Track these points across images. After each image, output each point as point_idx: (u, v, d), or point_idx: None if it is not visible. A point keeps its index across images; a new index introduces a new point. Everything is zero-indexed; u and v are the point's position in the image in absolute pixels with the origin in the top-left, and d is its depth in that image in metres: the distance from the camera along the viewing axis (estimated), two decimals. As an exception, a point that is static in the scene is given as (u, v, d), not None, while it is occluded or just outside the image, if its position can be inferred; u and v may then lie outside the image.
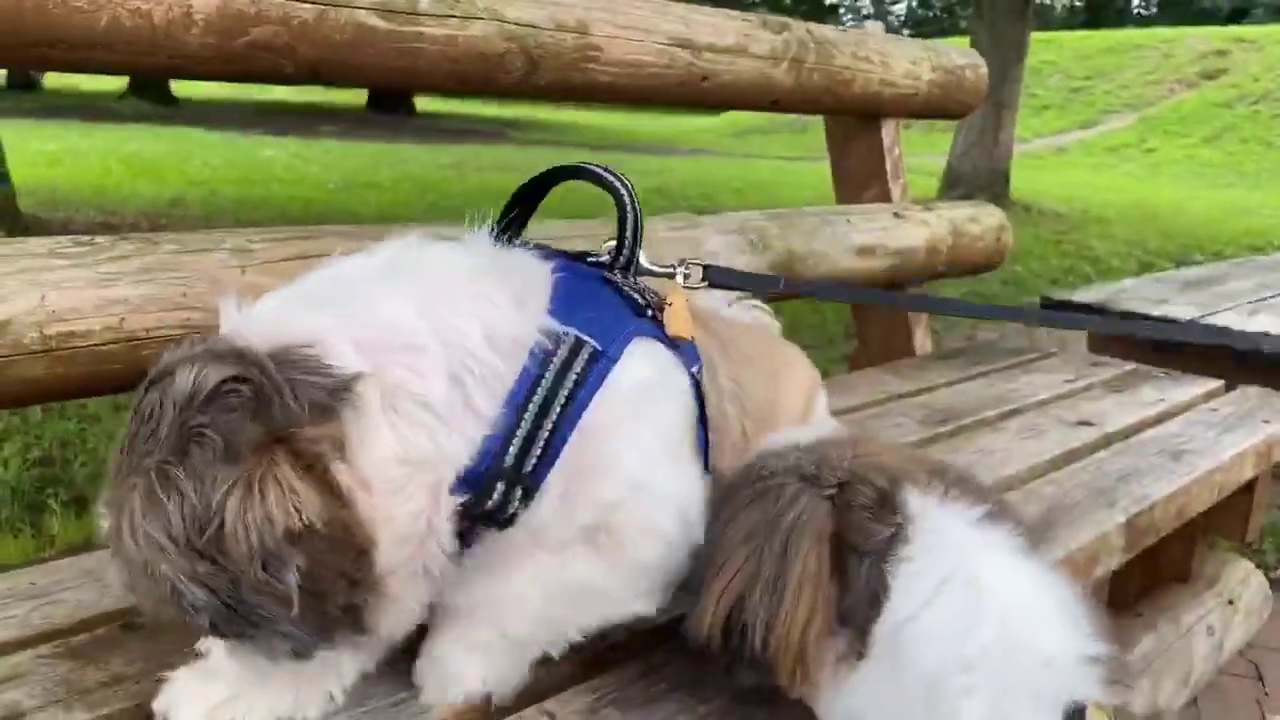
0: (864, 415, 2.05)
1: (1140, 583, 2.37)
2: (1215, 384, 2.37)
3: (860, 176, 2.63)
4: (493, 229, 1.13)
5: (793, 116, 23.13)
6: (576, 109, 28.35)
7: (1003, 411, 2.12)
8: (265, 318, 0.92)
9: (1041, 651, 0.84)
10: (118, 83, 21.62)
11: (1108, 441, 1.95)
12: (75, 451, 3.30)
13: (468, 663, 1.03)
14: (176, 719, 0.98)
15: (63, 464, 3.22)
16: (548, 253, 1.14)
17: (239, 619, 0.83)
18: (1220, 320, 3.17)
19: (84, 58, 1.33)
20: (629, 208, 1.25)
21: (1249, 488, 2.12)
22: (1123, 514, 1.60)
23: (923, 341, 2.66)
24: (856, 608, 0.91)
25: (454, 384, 0.94)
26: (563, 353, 1.00)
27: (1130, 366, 2.54)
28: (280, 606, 0.82)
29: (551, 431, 0.98)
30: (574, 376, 0.99)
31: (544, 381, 0.98)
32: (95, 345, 1.31)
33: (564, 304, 1.04)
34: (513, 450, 0.96)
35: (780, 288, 1.41)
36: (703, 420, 1.13)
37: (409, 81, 1.67)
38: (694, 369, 1.14)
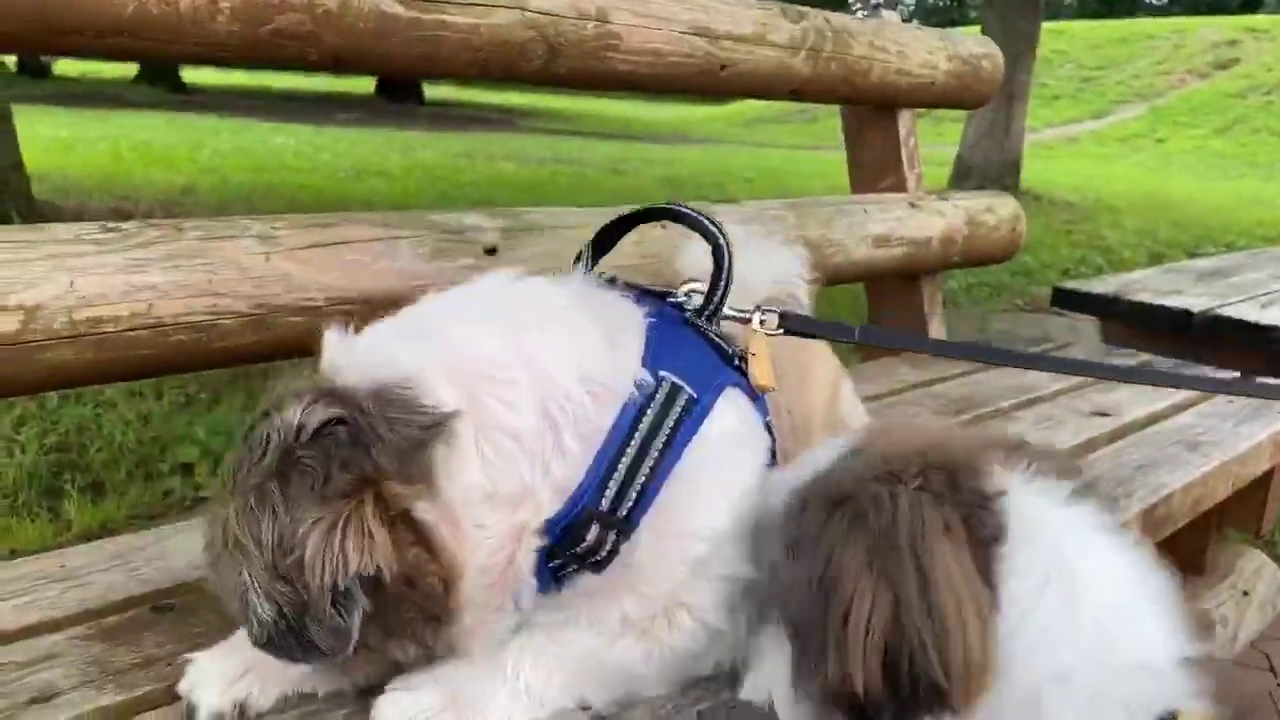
0: (880, 405, 2.06)
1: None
2: (1230, 375, 2.37)
3: (876, 166, 2.63)
4: (586, 267, 1.16)
5: (803, 106, 23.06)
6: (586, 98, 28.30)
7: (1019, 402, 2.13)
8: (367, 353, 0.96)
9: (1136, 656, 0.79)
10: (129, 69, 21.64)
11: (1124, 432, 1.96)
12: (92, 437, 3.32)
13: (484, 702, 0.99)
14: (198, 700, 1.00)
15: (79, 449, 3.24)
16: (637, 294, 1.14)
17: (294, 642, 0.87)
18: (1233, 312, 3.16)
19: (110, 44, 1.34)
20: (725, 258, 1.20)
21: (1264, 479, 2.13)
22: (1140, 504, 1.60)
23: (938, 331, 2.66)
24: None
25: (545, 419, 0.96)
26: (660, 398, 1.01)
27: (1145, 357, 2.54)
28: (338, 642, 0.86)
29: (648, 477, 0.99)
30: (670, 423, 1.01)
31: (642, 426, 0.99)
32: (124, 331, 1.32)
33: (658, 349, 1.05)
34: (609, 493, 0.98)
35: (856, 338, 1.36)
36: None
37: (431, 69, 1.67)
38: (766, 419, 1.15)
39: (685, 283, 1.26)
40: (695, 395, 1.03)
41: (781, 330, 1.25)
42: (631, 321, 1.07)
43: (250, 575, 0.85)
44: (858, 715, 0.83)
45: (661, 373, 1.02)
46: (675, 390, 1.02)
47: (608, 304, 1.09)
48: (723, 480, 1.04)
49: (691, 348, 1.11)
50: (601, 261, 1.27)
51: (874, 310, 2.80)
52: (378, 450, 0.87)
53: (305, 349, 1.09)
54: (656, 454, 0.99)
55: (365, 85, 24.58)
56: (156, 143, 10.96)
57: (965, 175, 10.91)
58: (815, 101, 2.44)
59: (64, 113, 13.17)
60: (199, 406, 3.68)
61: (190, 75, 22.01)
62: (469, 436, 0.92)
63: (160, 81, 20.29)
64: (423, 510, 0.90)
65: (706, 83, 2.04)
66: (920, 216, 2.51)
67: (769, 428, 1.15)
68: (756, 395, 1.14)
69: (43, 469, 3.07)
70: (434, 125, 16.21)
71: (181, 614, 1.18)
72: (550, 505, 0.96)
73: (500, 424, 0.93)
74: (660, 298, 1.20)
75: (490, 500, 0.93)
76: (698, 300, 1.20)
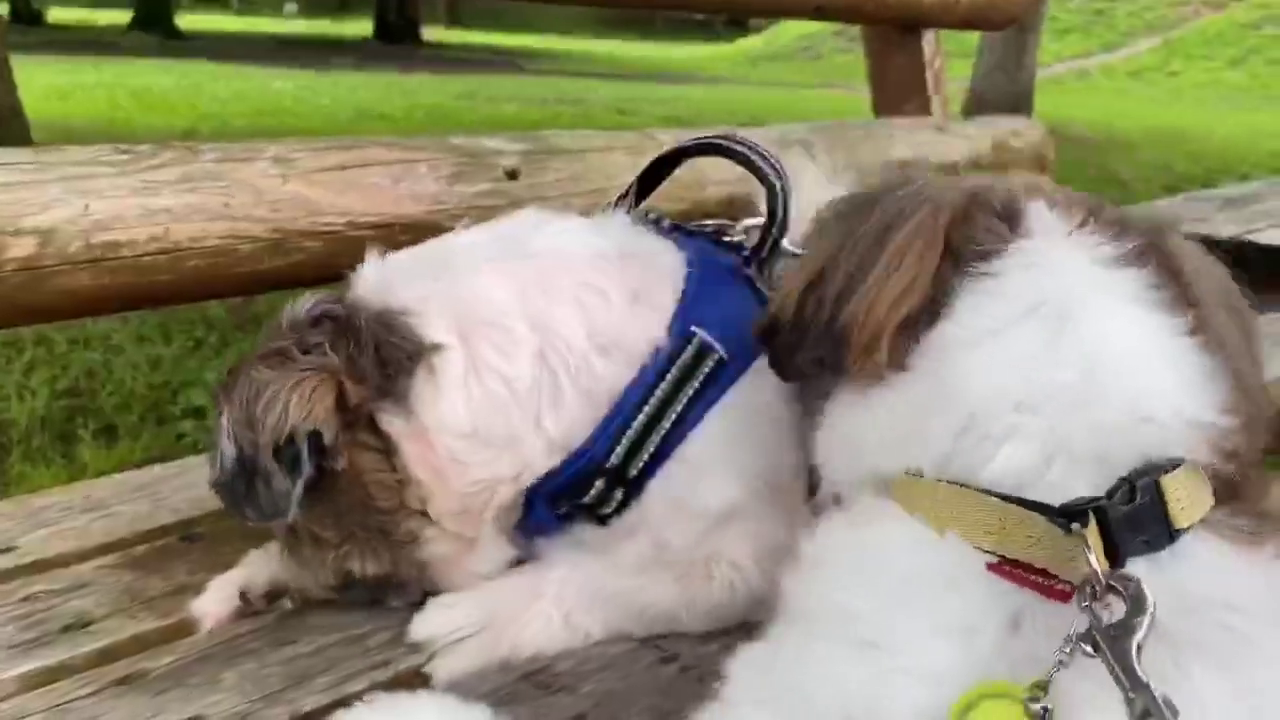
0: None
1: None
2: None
3: (900, 90, 2.56)
4: (629, 207, 1.12)
5: (807, 44, 22.76)
6: (587, 38, 27.93)
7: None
8: (385, 277, 1.01)
9: (1131, 411, 0.70)
10: (122, 16, 21.36)
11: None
12: (102, 381, 3.30)
13: (521, 627, 0.99)
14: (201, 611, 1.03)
15: (90, 394, 3.22)
16: (682, 238, 1.09)
17: (242, 490, 0.93)
18: (1263, 238, 3.10)
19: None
20: (780, 199, 1.11)
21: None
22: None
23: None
24: (918, 315, 0.78)
25: (543, 370, 0.96)
26: (687, 357, 0.98)
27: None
28: (280, 502, 0.92)
29: (664, 438, 0.97)
30: (695, 384, 0.98)
31: (663, 386, 0.97)
32: (140, 256, 1.29)
33: (693, 304, 1.01)
34: (619, 450, 0.97)
35: None
36: None
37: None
38: None
39: (744, 221, 1.17)
40: (726, 356, 0.99)
41: None
42: (668, 273, 1.04)
43: (226, 419, 0.94)
44: (771, 346, 0.88)
45: (694, 330, 0.99)
46: (704, 350, 0.99)
47: (644, 252, 1.05)
48: (742, 449, 1.01)
49: (733, 302, 1.05)
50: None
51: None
52: (355, 351, 0.94)
53: (324, 275, 1.08)
54: (675, 416, 0.98)
55: (363, 28, 24.26)
56: (154, 89, 10.83)
57: (977, 109, 10.75)
58: (838, 20, 2.37)
59: (58, 60, 12.98)
60: (208, 350, 3.65)
61: (185, 21, 21.71)
62: (457, 373, 0.95)
63: (154, 28, 20.01)
64: (389, 423, 0.95)
65: (728, 2, 1.97)
66: (948, 140, 2.45)
67: None
68: None
69: (55, 414, 3.05)
70: (433, 67, 15.98)
71: (211, 542, 1.15)
72: (546, 457, 0.98)
73: (492, 368, 0.95)
74: (714, 237, 1.14)
75: (471, 439, 0.95)
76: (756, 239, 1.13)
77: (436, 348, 0.95)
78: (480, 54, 21.30)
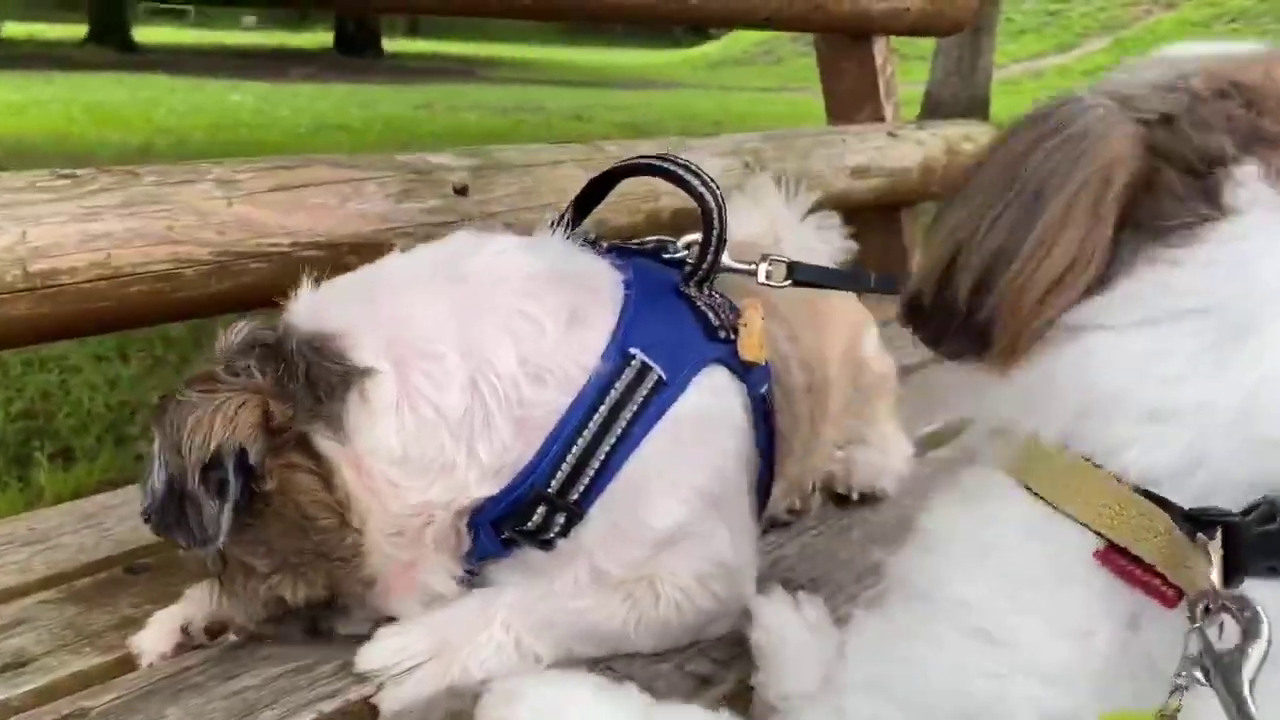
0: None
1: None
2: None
3: (852, 97, 2.58)
4: (565, 228, 1.11)
5: (767, 48, 22.87)
6: (546, 46, 27.90)
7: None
8: (317, 303, 1.00)
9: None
10: (77, 30, 21.06)
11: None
12: (58, 403, 3.25)
13: (471, 653, 0.98)
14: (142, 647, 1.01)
15: (46, 416, 3.17)
16: (619, 258, 1.09)
17: (172, 517, 0.92)
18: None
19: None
20: (715, 217, 1.11)
21: None
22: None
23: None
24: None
25: (474, 398, 0.95)
26: (626, 380, 0.98)
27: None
28: (208, 527, 0.91)
29: (604, 461, 0.97)
30: (634, 406, 0.98)
31: (601, 409, 0.97)
32: (80, 283, 1.26)
33: (632, 324, 1.01)
34: (559, 476, 0.96)
35: (871, 285, 1.25)
36: (770, 439, 1.10)
37: (391, 5, 1.60)
38: (763, 389, 1.09)
39: (687, 237, 1.18)
40: (665, 376, 0.99)
41: (789, 281, 1.17)
42: (605, 294, 1.03)
43: (156, 448, 0.94)
44: (918, 329, 0.73)
45: (632, 351, 0.99)
46: (644, 371, 0.99)
47: (581, 274, 1.05)
48: (683, 468, 1.01)
49: (671, 321, 1.05)
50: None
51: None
52: (283, 373, 0.94)
53: (272, 298, 1.06)
54: (614, 439, 0.97)
55: (322, 39, 24.09)
56: (110, 103, 10.69)
57: (934, 113, 10.85)
58: (788, 30, 2.38)
59: (12, 75, 12.79)
60: (167, 369, 3.60)
61: (141, 34, 21.45)
62: (389, 400, 0.95)
63: (110, 41, 19.76)
64: (325, 445, 0.94)
65: (675, 11, 1.98)
66: (899, 146, 2.47)
67: (764, 399, 1.10)
68: (748, 367, 1.08)
69: (10, 437, 3.00)
70: (393, 77, 15.90)
71: (157, 573, 1.14)
72: (479, 485, 0.97)
73: (425, 396, 0.95)
74: (654, 254, 1.15)
75: (404, 465, 0.95)
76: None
77: (368, 372, 0.95)
78: (440, 63, 21.22)
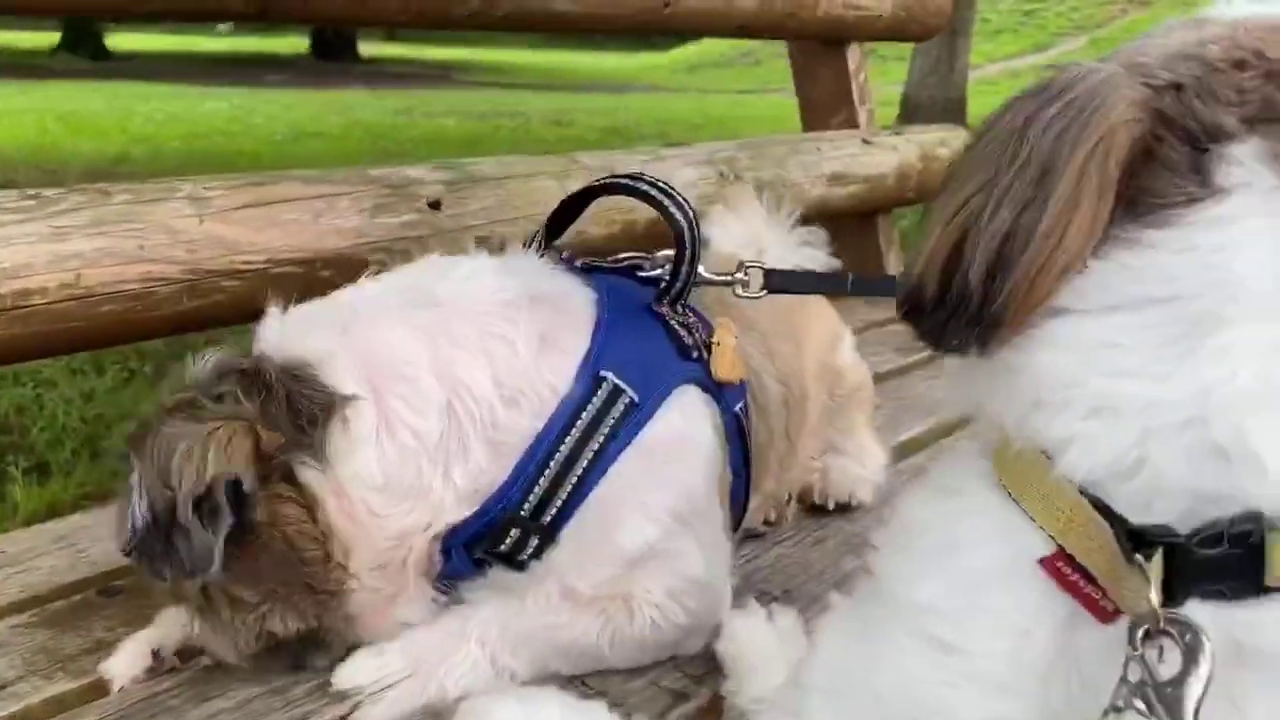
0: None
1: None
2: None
3: (827, 103, 2.59)
4: (539, 249, 1.11)
5: (747, 49, 22.89)
6: (523, 50, 27.86)
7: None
8: (289, 330, 1.00)
9: (1251, 456, 0.53)
10: (50, 38, 20.89)
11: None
12: (33, 418, 3.22)
13: (447, 670, 0.98)
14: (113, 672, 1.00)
15: (21, 431, 3.14)
16: (593, 277, 1.10)
17: (160, 548, 0.90)
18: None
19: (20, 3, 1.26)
20: (687, 237, 1.11)
21: None
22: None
23: (895, 270, 2.64)
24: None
25: (451, 422, 0.96)
26: (598, 402, 0.99)
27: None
28: (201, 557, 0.89)
29: (576, 484, 0.98)
30: (606, 430, 0.98)
31: (573, 432, 0.97)
32: (51, 303, 1.26)
33: (604, 346, 1.01)
34: (532, 499, 0.97)
35: (849, 289, 1.24)
36: (746, 456, 1.11)
37: (360, 17, 1.61)
38: (738, 407, 1.10)
39: (662, 252, 1.17)
40: (637, 398, 1.00)
41: (765, 291, 1.16)
42: (577, 315, 1.04)
43: (137, 479, 0.92)
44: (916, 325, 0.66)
45: (603, 374, 0.99)
46: (615, 393, 0.99)
47: (553, 294, 1.05)
48: (654, 488, 1.01)
49: (644, 341, 1.06)
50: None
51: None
52: (267, 401, 0.93)
53: (245, 315, 1.06)
54: (587, 462, 0.98)
55: (298, 45, 23.98)
56: (84, 112, 10.60)
57: (912, 115, 10.89)
58: (762, 37, 2.39)
59: (-16, 85, 12.68)
60: (142, 382, 3.57)
61: (114, 41, 21.30)
62: (369, 426, 0.94)
63: (83, 48, 19.61)
64: (308, 475, 0.94)
65: (648, 21, 1.99)
66: (874, 153, 2.48)
67: (739, 416, 1.10)
68: (721, 386, 1.09)
69: (-17, 454, 2.97)
70: (370, 83, 15.84)
71: (130, 596, 1.13)
72: (455, 508, 0.97)
73: (403, 421, 0.95)
74: (630, 272, 1.15)
75: (385, 491, 0.95)
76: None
77: (349, 399, 0.94)
78: (418, 68, 21.16)
